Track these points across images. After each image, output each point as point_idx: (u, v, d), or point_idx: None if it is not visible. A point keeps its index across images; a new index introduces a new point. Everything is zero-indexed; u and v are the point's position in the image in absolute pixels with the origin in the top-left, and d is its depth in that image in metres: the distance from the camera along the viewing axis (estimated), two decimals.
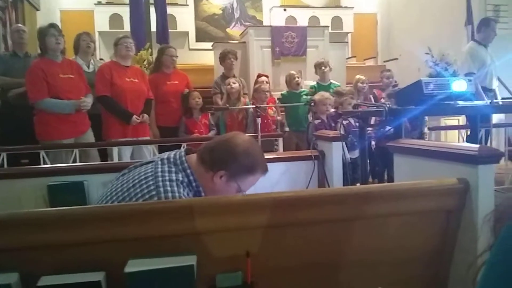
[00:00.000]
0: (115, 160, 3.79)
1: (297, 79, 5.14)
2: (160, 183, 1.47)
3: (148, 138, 4.24)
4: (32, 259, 1.13)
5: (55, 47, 3.71)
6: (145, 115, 4.13)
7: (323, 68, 5.30)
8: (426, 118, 4.80)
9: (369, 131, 3.31)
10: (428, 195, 1.39)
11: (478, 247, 1.38)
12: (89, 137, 3.95)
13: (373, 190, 1.38)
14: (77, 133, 3.84)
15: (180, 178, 1.51)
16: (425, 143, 1.76)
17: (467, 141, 4.49)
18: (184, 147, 3.46)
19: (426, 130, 5.15)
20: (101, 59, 6.28)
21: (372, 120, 3.57)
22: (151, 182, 1.48)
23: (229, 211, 1.23)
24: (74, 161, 3.55)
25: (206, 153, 1.56)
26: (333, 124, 4.44)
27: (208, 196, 1.55)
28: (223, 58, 5.25)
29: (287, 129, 5.03)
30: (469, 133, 4.85)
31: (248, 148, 1.56)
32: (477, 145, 1.44)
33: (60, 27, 3.98)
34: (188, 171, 1.54)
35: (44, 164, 3.43)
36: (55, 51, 3.74)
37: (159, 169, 1.52)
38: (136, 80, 4.14)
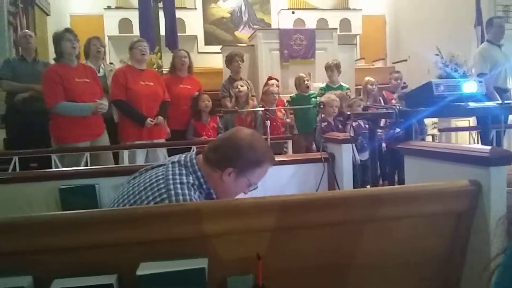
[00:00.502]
0: (126, 163, 3.81)
1: (306, 82, 5.14)
2: (171, 186, 1.47)
3: (162, 140, 4.25)
4: (45, 262, 1.14)
5: (71, 52, 3.74)
6: (160, 117, 4.15)
7: (330, 71, 5.29)
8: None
9: (379, 133, 3.29)
10: (440, 197, 1.38)
11: (491, 249, 1.37)
12: (104, 140, 3.97)
13: (384, 192, 1.37)
14: (92, 136, 3.86)
15: (191, 181, 1.51)
16: (436, 145, 1.75)
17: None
18: (194, 150, 3.48)
19: (436, 131, 5.13)
20: (111, 63, 6.33)
21: (382, 122, 3.56)
22: (162, 185, 1.49)
23: (240, 214, 1.23)
24: (86, 165, 3.57)
25: (211, 152, 1.57)
26: (340, 126, 4.43)
27: (220, 196, 1.56)
28: (230, 61, 5.26)
29: (296, 131, 5.02)
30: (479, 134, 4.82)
31: (252, 141, 1.57)
32: (489, 147, 1.43)
33: None
34: (199, 173, 1.55)
35: (55, 167, 3.46)
36: (71, 56, 3.76)
37: (170, 172, 1.53)
38: (151, 84, 4.17)
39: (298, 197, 1.31)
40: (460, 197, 1.39)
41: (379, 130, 2.97)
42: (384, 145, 4.16)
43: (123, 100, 4.04)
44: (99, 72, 4.41)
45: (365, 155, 4.12)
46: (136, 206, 1.46)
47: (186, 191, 1.47)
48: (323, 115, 4.40)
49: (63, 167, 3.42)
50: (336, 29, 7.53)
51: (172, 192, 1.46)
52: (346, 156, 2.39)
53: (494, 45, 5.13)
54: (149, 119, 4.04)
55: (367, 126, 4.36)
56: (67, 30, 3.85)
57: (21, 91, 4.23)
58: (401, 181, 4.24)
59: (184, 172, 1.53)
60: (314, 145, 4.45)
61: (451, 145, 1.61)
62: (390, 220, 1.36)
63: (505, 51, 5.14)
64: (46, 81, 3.69)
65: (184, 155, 1.61)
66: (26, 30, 5.11)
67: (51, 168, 3.45)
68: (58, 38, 3.73)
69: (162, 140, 4.26)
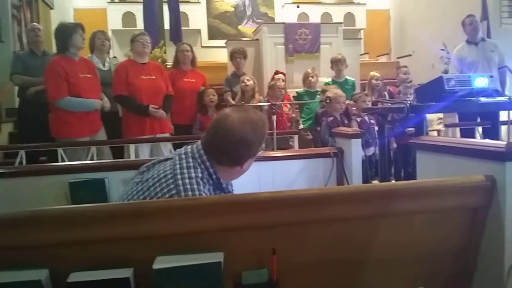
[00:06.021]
0: (132, 157, 3.80)
1: (311, 78, 5.10)
2: (180, 181, 1.47)
3: (167, 135, 4.22)
4: (61, 256, 1.14)
5: (81, 46, 3.77)
6: (160, 110, 4.09)
7: (340, 65, 5.25)
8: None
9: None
10: (454, 192, 1.37)
11: (505, 245, 1.36)
12: (103, 135, 3.98)
13: (399, 187, 1.37)
14: (93, 131, 3.87)
15: (200, 174, 1.51)
16: (450, 139, 1.74)
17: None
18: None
19: (442, 127, 5.10)
20: (114, 57, 6.31)
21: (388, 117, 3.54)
22: (170, 181, 1.48)
23: (256, 208, 1.23)
24: (92, 159, 3.57)
25: (222, 156, 1.57)
26: (346, 122, 4.42)
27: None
28: (231, 57, 5.27)
29: (301, 126, 5.01)
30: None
31: (254, 138, 1.58)
32: (504, 142, 1.42)
33: None
34: (208, 163, 1.55)
35: (62, 161, 3.46)
36: (78, 50, 3.78)
37: (178, 166, 1.52)
38: (154, 77, 4.13)
39: (313, 192, 1.31)
40: (475, 193, 1.38)
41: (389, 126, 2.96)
42: (394, 145, 4.10)
43: (124, 95, 4.01)
44: (104, 65, 4.41)
45: (370, 150, 4.12)
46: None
47: (195, 186, 1.47)
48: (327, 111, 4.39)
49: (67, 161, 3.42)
50: (341, 23, 7.45)
51: (181, 187, 1.45)
52: (356, 151, 2.37)
53: (471, 44, 5.10)
54: (151, 106, 3.99)
55: (372, 121, 4.36)
56: (78, 24, 3.85)
57: (32, 85, 4.22)
58: (407, 178, 4.23)
59: (191, 164, 1.52)
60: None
61: (466, 140, 1.60)
62: (405, 214, 1.36)
63: (484, 47, 5.07)
64: (51, 74, 3.67)
65: (190, 146, 1.61)
66: (35, 24, 5.06)
67: (57, 161, 3.46)
68: (69, 31, 3.70)
69: (166, 135, 4.22)
